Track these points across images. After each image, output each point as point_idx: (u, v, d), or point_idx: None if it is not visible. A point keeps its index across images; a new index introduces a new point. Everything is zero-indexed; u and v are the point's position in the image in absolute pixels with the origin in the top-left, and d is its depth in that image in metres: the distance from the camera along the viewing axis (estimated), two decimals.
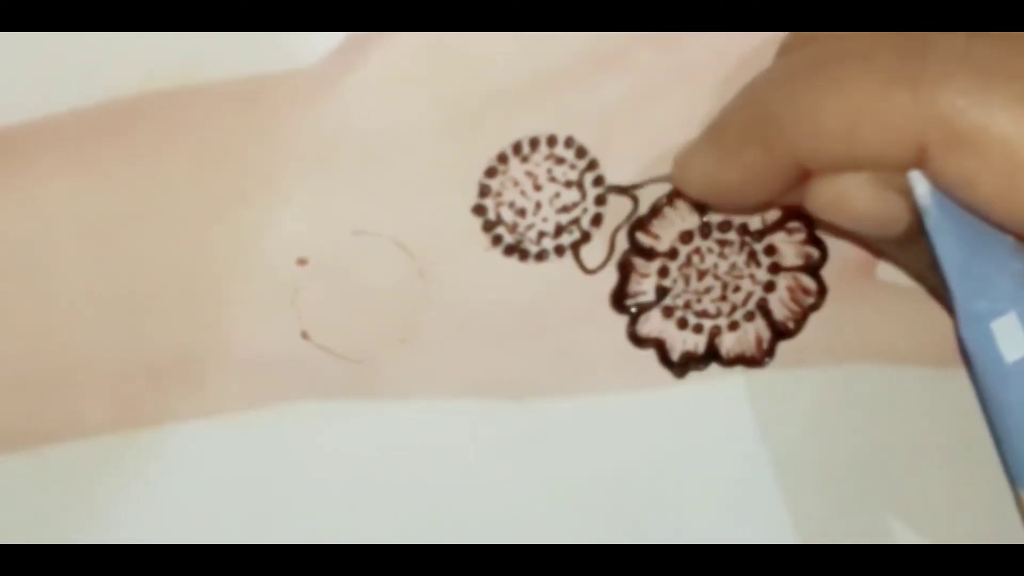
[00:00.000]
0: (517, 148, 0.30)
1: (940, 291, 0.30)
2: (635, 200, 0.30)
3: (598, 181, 0.30)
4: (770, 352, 0.31)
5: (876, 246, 0.31)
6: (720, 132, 0.28)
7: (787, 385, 0.31)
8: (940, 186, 0.26)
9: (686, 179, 0.29)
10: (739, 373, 0.31)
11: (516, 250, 0.30)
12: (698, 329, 0.31)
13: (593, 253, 0.30)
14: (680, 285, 0.31)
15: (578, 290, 0.30)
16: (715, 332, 0.31)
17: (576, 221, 0.30)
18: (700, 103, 0.30)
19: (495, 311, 0.30)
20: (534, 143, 0.30)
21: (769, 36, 0.30)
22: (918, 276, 0.31)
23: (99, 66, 0.29)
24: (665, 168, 0.30)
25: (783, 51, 0.29)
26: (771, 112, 0.27)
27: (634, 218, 0.30)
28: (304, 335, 0.30)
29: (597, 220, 0.30)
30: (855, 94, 0.26)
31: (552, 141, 0.30)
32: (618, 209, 0.31)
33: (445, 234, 0.30)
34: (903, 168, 0.26)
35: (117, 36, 0.29)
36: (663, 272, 0.31)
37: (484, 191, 0.30)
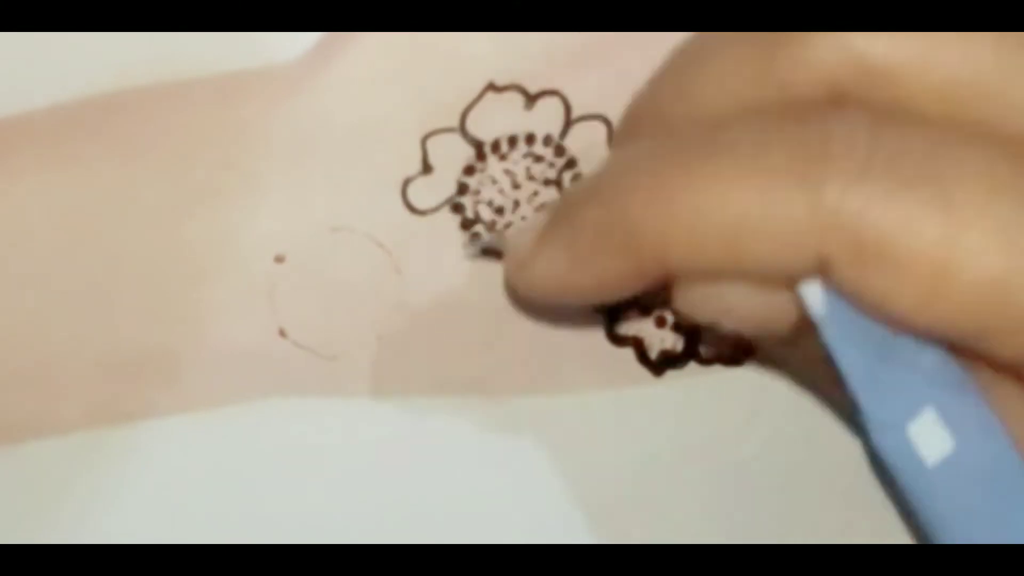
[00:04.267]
0: (496, 146, 0.30)
1: (829, 391, 0.28)
2: None
3: (577, 179, 0.30)
4: (749, 351, 0.31)
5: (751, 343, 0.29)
6: (570, 234, 0.25)
7: (766, 383, 0.31)
8: (845, 298, 0.23)
9: (527, 280, 0.26)
10: (718, 371, 0.31)
11: (494, 248, 0.30)
12: (677, 328, 0.31)
13: None
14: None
15: None
16: (694, 331, 0.31)
17: None
18: None
19: (472, 309, 0.30)
20: (512, 141, 0.30)
21: None
22: (800, 374, 0.29)
23: (75, 63, 0.29)
24: None
25: (625, 134, 0.27)
26: (632, 216, 0.24)
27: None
28: (281, 332, 0.30)
29: None
30: (741, 199, 0.23)
31: (531, 139, 0.30)
32: None
33: (422, 232, 0.30)
34: (795, 281, 0.24)
35: (92, 33, 0.29)
36: None
37: (462, 189, 0.30)
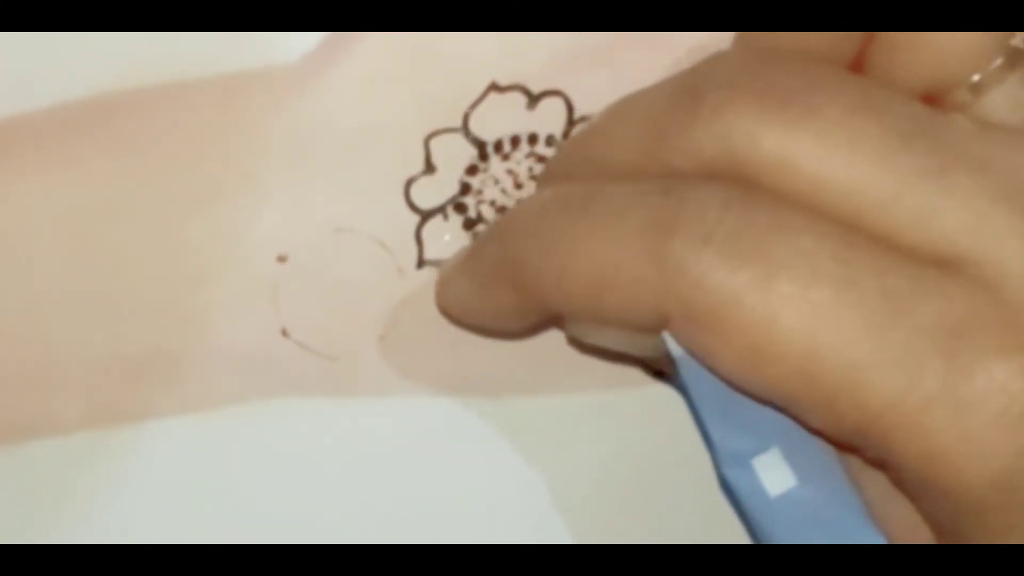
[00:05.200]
0: (498, 146, 0.30)
1: None
2: None
3: None
4: None
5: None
6: (475, 264, 0.28)
7: None
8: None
9: (445, 301, 0.29)
10: None
11: None
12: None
13: None
14: None
15: None
16: None
17: None
18: None
19: None
20: (515, 141, 0.30)
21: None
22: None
23: (75, 63, 0.29)
24: None
25: (547, 175, 0.29)
26: (522, 256, 0.27)
27: None
28: (283, 332, 0.30)
29: None
30: (601, 257, 0.26)
31: (533, 139, 0.30)
32: None
33: (425, 232, 0.30)
34: (648, 331, 0.26)
35: (95, 33, 0.29)
36: None
37: (465, 189, 0.30)
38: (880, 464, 0.26)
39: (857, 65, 0.28)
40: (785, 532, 0.26)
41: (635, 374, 0.31)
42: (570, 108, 0.30)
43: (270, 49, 0.29)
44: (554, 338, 0.30)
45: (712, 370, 0.26)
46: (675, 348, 0.26)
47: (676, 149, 0.26)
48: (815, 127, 0.25)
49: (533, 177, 0.30)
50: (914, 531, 0.27)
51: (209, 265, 0.30)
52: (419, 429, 0.30)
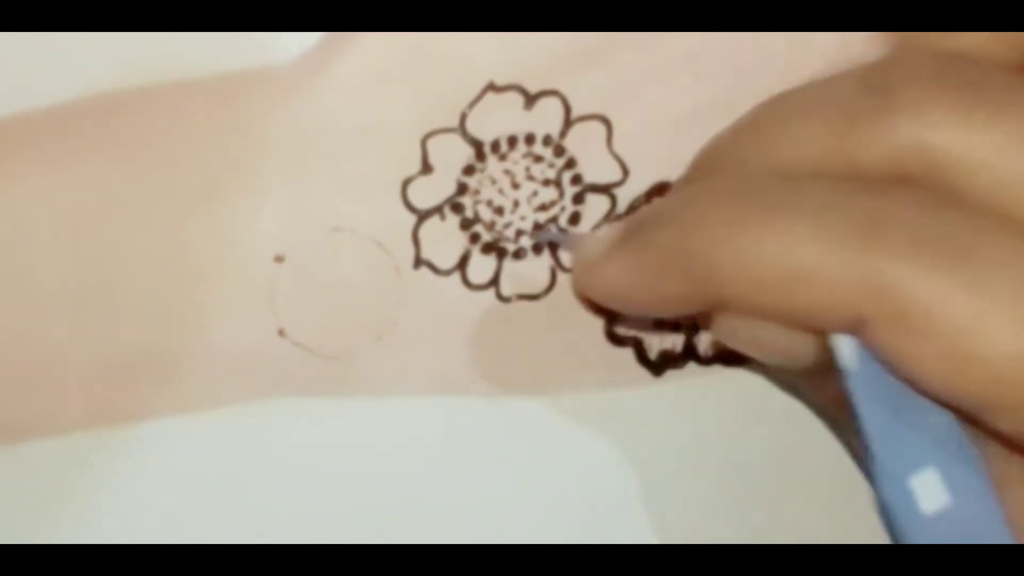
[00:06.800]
0: (495, 146, 0.30)
1: (838, 424, 0.30)
2: (613, 200, 0.30)
3: (576, 180, 0.30)
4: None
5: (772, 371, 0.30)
6: (641, 250, 0.27)
7: (766, 383, 0.31)
8: (874, 354, 0.25)
9: (594, 282, 0.28)
10: (717, 372, 0.31)
11: (494, 248, 0.30)
12: (676, 327, 0.31)
13: None
14: None
15: (556, 288, 0.30)
16: (693, 330, 0.31)
17: (554, 219, 0.30)
18: (680, 102, 0.30)
19: (472, 309, 0.30)
20: (512, 141, 0.30)
21: (750, 35, 0.30)
22: (810, 401, 0.31)
23: (75, 63, 0.29)
24: (644, 171, 0.30)
25: (699, 170, 0.28)
26: (700, 248, 0.26)
27: (612, 217, 0.30)
28: (280, 332, 0.30)
29: (575, 218, 0.30)
30: (800, 252, 0.25)
31: (530, 139, 0.30)
32: (596, 208, 0.30)
33: (422, 232, 0.30)
34: (833, 331, 0.26)
35: (93, 33, 0.29)
36: None
37: (462, 189, 0.30)
38: None
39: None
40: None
41: (635, 374, 0.31)
42: (567, 108, 0.30)
43: (268, 49, 0.29)
44: (553, 338, 0.30)
45: (906, 375, 0.25)
46: (849, 359, 0.26)
47: (866, 143, 0.26)
48: (1017, 126, 0.25)
49: (530, 177, 0.30)
50: None
51: (206, 265, 0.30)
52: (416, 429, 0.30)
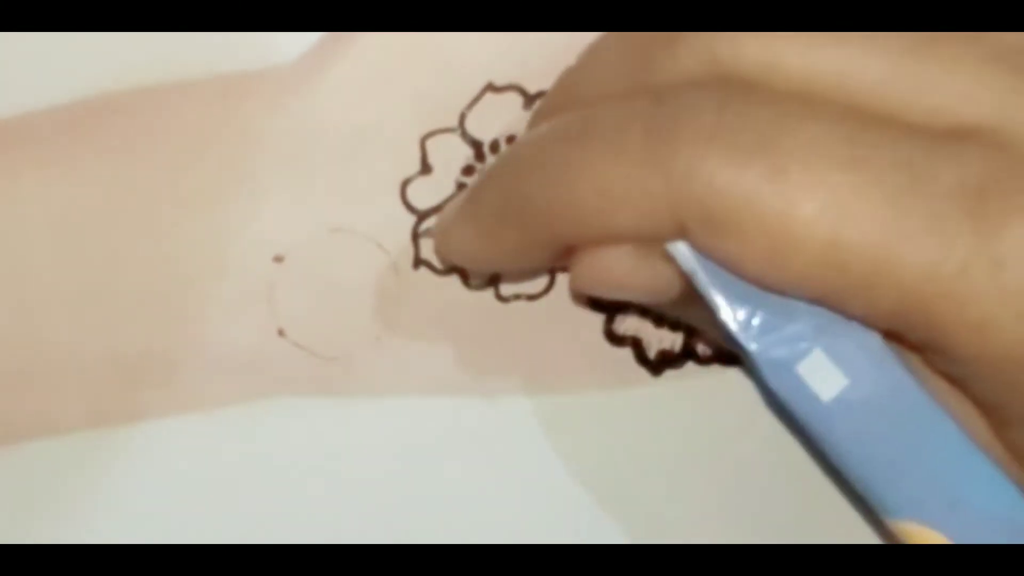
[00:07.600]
0: (495, 146, 0.30)
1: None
2: None
3: None
4: None
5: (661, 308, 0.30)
6: (475, 209, 0.28)
7: None
8: (706, 258, 0.25)
9: (448, 251, 0.29)
10: (716, 371, 0.31)
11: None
12: (675, 327, 0.31)
13: None
14: None
15: (555, 288, 0.30)
16: (692, 330, 0.31)
17: None
18: None
19: (471, 309, 0.30)
20: (511, 141, 0.30)
21: None
22: (710, 333, 0.30)
23: (75, 63, 0.29)
24: None
25: (537, 116, 0.29)
26: (525, 193, 0.26)
27: None
28: (280, 332, 0.30)
29: None
30: (607, 175, 0.25)
31: None
32: None
33: (421, 232, 0.30)
34: (665, 240, 0.25)
35: (92, 33, 0.29)
36: None
37: (461, 189, 0.30)
38: (923, 347, 0.25)
39: None
40: (847, 435, 0.25)
41: (634, 374, 0.31)
42: None
43: (267, 50, 0.30)
44: (552, 338, 0.30)
45: (737, 275, 0.25)
46: (684, 258, 0.25)
47: (661, 71, 0.26)
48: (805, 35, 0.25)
49: None
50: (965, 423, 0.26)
51: (206, 265, 0.30)
52: (415, 429, 0.30)
